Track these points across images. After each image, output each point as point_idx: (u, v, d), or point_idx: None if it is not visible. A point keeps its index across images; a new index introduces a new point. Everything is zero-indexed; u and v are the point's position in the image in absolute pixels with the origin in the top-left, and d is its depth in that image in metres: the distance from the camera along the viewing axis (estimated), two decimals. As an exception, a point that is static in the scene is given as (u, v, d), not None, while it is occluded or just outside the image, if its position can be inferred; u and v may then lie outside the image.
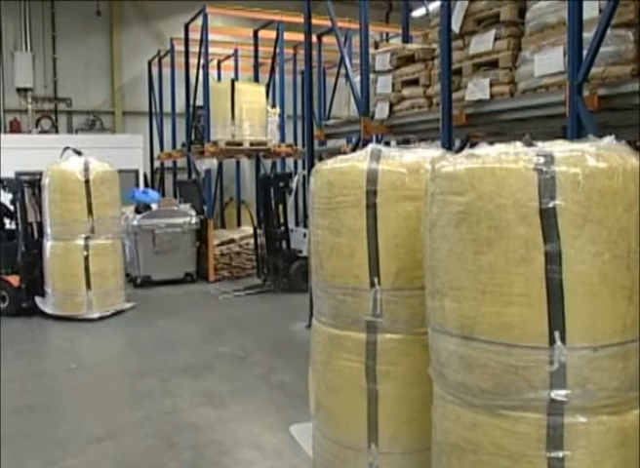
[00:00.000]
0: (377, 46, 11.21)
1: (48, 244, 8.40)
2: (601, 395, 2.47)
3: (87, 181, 8.22)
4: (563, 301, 2.43)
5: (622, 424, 2.50)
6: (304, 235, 10.24)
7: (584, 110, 3.98)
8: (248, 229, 12.17)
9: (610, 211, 2.46)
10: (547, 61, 4.40)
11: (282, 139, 11.78)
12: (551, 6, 4.47)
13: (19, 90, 14.87)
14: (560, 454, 2.47)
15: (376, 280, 3.54)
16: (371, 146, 3.71)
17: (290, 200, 11.12)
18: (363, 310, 3.58)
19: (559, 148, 2.59)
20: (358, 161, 3.64)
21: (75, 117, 15.63)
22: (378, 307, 3.55)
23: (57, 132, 15.23)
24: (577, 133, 4.02)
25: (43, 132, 14.91)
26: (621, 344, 2.48)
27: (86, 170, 8.24)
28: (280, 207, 10.08)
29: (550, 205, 2.43)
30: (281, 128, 11.90)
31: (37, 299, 8.47)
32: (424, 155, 3.71)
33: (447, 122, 5.13)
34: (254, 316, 8.73)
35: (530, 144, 2.70)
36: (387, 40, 13.70)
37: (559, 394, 2.45)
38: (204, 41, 10.90)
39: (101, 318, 8.28)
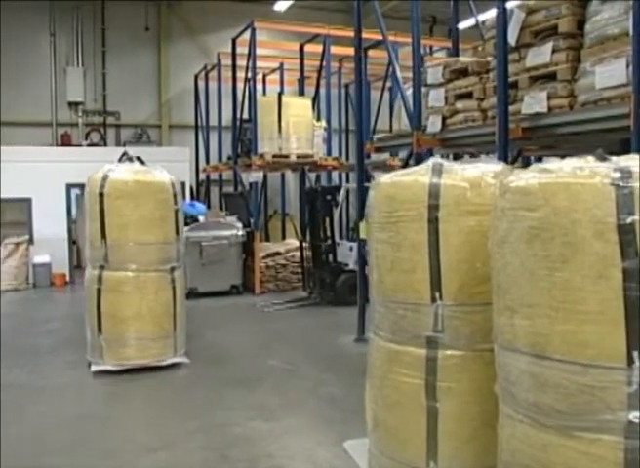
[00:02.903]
0: (422, 59, 11.20)
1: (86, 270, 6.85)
2: (682, 419, 2.39)
3: (101, 195, 6.34)
4: (642, 320, 2.36)
5: None
6: (351, 248, 10.25)
7: (650, 123, 3.90)
8: (293, 242, 12.23)
9: (691, 227, 2.38)
10: (609, 74, 4.32)
11: (328, 153, 11.81)
12: (613, 18, 4.39)
13: (70, 104, 15.29)
14: (638, 479, 2.39)
15: (437, 295, 3.50)
16: (432, 160, 3.68)
17: (336, 213, 11.12)
18: (424, 325, 3.54)
19: (634, 163, 2.53)
20: (420, 175, 3.61)
21: (123, 130, 15.96)
22: (439, 323, 3.50)
23: (105, 144, 15.56)
24: (642, 146, 3.93)
25: (92, 145, 15.26)
26: None
27: (104, 179, 6.35)
28: (327, 220, 10.09)
29: (629, 221, 2.36)
30: (327, 141, 11.94)
31: None
32: (486, 169, 3.67)
33: (503, 135, 5.08)
34: (301, 329, 8.73)
35: (603, 159, 2.64)
36: (432, 53, 13.69)
37: (637, 416, 2.37)
38: (252, 55, 11.01)
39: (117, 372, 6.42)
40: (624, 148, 4.31)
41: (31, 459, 4.52)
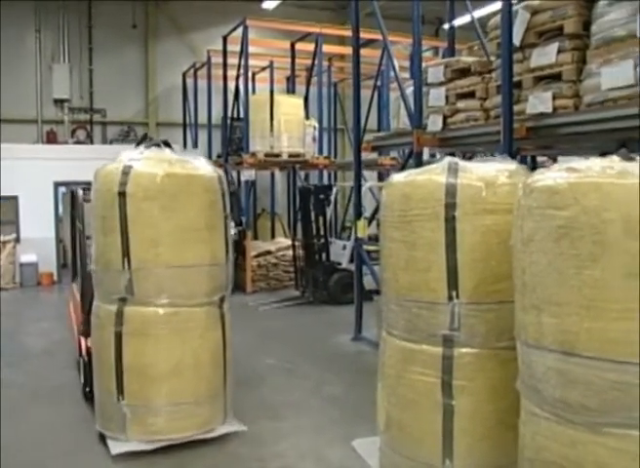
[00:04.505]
0: (412, 58, 11.26)
1: (94, 305, 4.83)
2: None
3: (121, 195, 4.36)
4: (673, 318, 2.39)
5: None
6: (344, 247, 10.26)
7: (660, 124, 3.95)
8: (283, 241, 12.22)
9: None
10: (616, 75, 4.37)
11: (319, 151, 11.82)
12: (619, 19, 4.44)
13: (55, 101, 15.10)
14: (668, 474, 2.42)
15: (454, 293, 3.51)
16: (447, 159, 3.69)
17: (328, 212, 11.13)
18: (440, 324, 3.55)
19: (662, 162, 2.57)
20: (435, 174, 3.63)
21: (110, 128, 15.82)
22: (455, 321, 3.52)
23: (92, 142, 15.41)
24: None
25: (78, 142, 15.10)
26: None
27: (124, 172, 4.38)
28: (320, 218, 10.09)
29: (660, 219, 2.40)
30: (318, 140, 11.94)
31: None
32: (500, 168, 3.70)
33: (508, 135, 5.12)
34: (296, 328, 8.72)
35: (629, 159, 2.68)
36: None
37: (667, 412, 2.40)
38: (244, 53, 10.98)
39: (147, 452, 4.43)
40: (621, 149, 4.37)
41: None
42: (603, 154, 2.91)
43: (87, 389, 5.39)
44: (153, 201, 4.39)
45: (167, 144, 4.70)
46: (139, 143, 4.82)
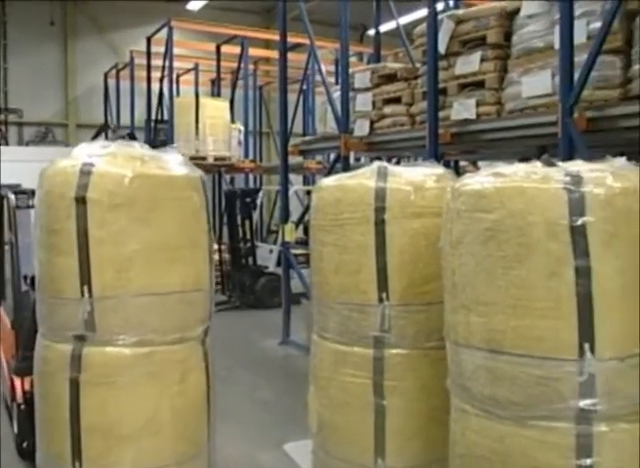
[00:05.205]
0: (337, 63, 11.41)
1: (37, 343, 3.65)
2: (626, 403, 2.56)
3: (80, 202, 3.30)
4: (592, 314, 2.52)
5: (646, 431, 2.59)
6: (270, 251, 10.26)
7: (576, 131, 4.15)
8: (210, 245, 12.06)
9: (633, 228, 2.56)
10: (536, 84, 4.58)
11: (245, 155, 11.77)
12: (538, 31, 4.66)
13: (-33, 100, 14.44)
14: (588, 462, 2.54)
15: (384, 296, 3.58)
16: (377, 164, 3.77)
17: (254, 215, 11.11)
18: (370, 326, 3.61)
19: (581, 168, 2.70)
20: (365, 178, 3.69)
21: (26, 129, 15.27)
22: (386, 323, 3.58)
23: (7, 143, 14.78)
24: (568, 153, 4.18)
25: (-9, 143, 14.48)
26: (644, 354, 2.57)
27: (84, 172, 3.32)
28: (246, 222, 10.05)
29: (580, 222, 2.52)
30: (243, 143, 11.90)
31: None
32: (428, 173, 3.80)
33: (433, 140, 5.26)
34: (223, 333, 8.51)
35: (551, 164, 2.81)
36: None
37: (588, 403, 2.53)
38: (168, 54, 10.82)
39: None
40: (542, 154, 4.58)
41: None
42: (523, 159, 3.05)
43: (24, 444, 4.27)
44: (122, 210, 3.31)
45: (132, 137, 3.79)
46: (98, 134, 3.66)
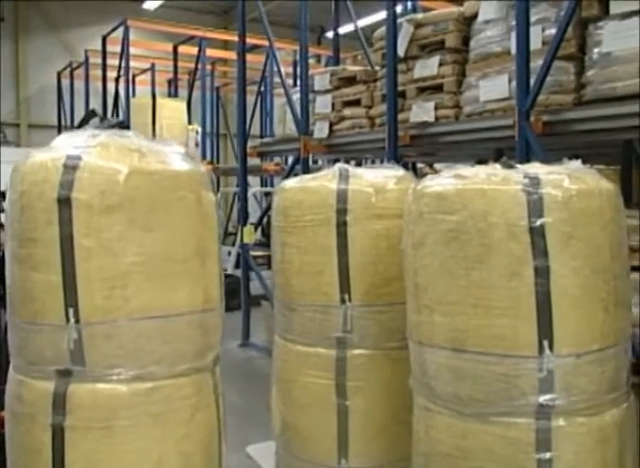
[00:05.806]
0: (295, 65, 11.44)
1: (10, 378, 2.88)
2: (583, 398, 2.64)
3: (64, 203, 2.60)
4: (551, 313, 2.59)
5: (601, 424, 2.68)
6: (229, 253, 10.21)
7: (532, 135, 4.26)
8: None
9: (589, 229, 2.65)
10: (493, 88, 4.67)
11: (202, 156, 11.69)
12: (495, 37, 4.76)
13: None
14: (548, 455, 2.61)
15: (346, 297, 3.61)
16: (338, 166, 3.79)
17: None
18: (333, 326, 3.63)
19: (539, 171, 2.77)
20: (327, 180, 3.71)
21: (-25, 129, 14.84)
22: (348, 323, 3.61)
23: (-46, 144, 14.37)
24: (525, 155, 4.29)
25: (-62, 144, 14.04)
26: (600, 351, 2.66)
27: (68, 167, 2.61)
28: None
29: (538, 223, 2.59)
30: (201, 144, 11.82)
31: None
32: (388, 175, 3.85)
33: (393, 142, 5.31)
34: (182, 335, 8.54)
35: (510, 167, 2.87)
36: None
37: (547, 399, 2.60)
38: (125, 54, 10.67)
39: None
40: (499, 157, 4.69)
41: None
42: (480, 161, 3.12)
43: None
44: (116, 213, 2.65)
45: (125, 127, 3.06)
46: (83, 123, 3.12)
